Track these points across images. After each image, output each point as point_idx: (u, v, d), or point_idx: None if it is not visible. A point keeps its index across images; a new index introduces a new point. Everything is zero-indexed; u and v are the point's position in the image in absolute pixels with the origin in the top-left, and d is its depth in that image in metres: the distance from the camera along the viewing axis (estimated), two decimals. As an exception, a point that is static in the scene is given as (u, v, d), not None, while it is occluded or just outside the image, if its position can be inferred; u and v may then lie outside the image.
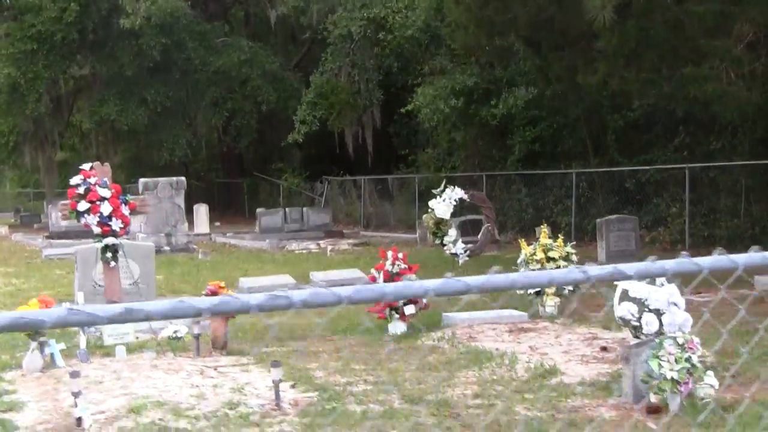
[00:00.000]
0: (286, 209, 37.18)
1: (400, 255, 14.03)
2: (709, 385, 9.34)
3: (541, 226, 15.23)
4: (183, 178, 28.58)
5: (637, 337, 11.17)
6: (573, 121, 30.68)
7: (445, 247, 16.28)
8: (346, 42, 36.45)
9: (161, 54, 40.93)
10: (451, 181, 36.12)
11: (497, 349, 12.09)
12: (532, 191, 31.69)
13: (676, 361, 8.97)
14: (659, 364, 9.00)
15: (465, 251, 16.57)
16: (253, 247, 30.43)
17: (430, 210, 16.78)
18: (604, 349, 12.19)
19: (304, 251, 28.91)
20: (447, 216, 16.33)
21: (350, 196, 43.55)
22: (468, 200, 17.45)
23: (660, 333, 11.13)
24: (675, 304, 11.28)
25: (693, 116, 24.07)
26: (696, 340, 9.32)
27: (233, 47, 43.35)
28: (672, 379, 8.90)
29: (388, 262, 13.72)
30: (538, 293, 14.82)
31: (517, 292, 14.80)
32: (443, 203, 16.35)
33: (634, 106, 26.60)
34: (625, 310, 11.18)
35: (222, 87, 44.33)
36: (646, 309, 11.10)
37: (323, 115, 36.98)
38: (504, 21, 20.96)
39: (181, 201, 27.74)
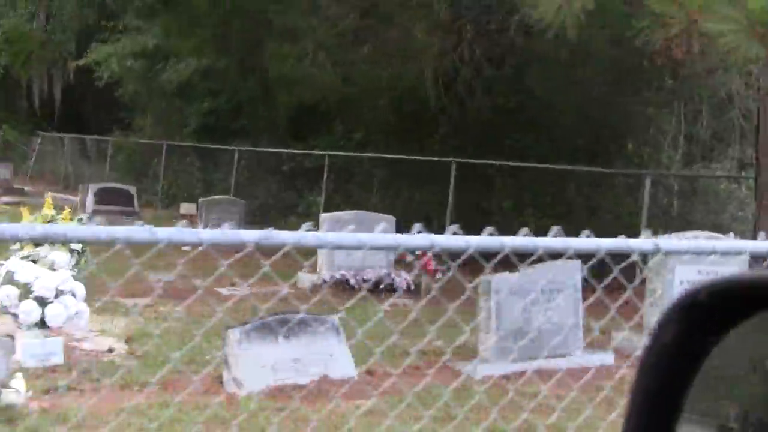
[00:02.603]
0: (-40, 160, 34.79)
1: None
2: (15, 390, 7.91)
3: (47, 195, 13.56)
4: None
5: (19, 327, 9.69)
6: (254, 98, 29.21)
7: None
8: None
9: None
10: (136, 149, 34.55)
11: None
12: (205, 165, 30.21)
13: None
14: None
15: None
16: None
17: None
18: None
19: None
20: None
21: (56, 154, 41.23)
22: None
23: (42, 325, 9.68)
24: (72, 294, 9.84)
25: (352, 105, 23.02)
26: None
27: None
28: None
29: None
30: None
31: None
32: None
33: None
34: (3, 294, 9.66)
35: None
36: (30, 296, 9.62)
37: (9, 62, 34.45)
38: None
39: None
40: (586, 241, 4.12)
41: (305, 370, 8.82)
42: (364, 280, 14.92)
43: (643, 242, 4.43)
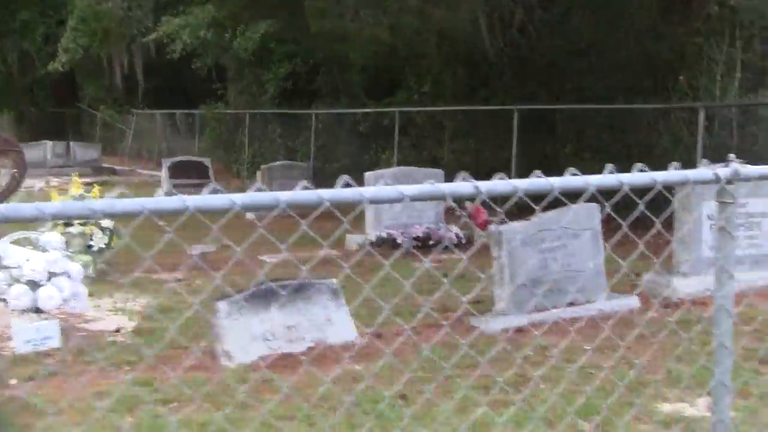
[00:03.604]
0: (51, 143, 35.26)
1: None
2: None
3: (72, 176, 13.44)
4: None
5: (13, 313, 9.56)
6: (328, 59, 28.89)
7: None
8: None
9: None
10: (222, 121, 34.53)
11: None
12: (286, 131, 30.00)
13: None
14: None
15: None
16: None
17: None
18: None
19: (24, 189, 26.85)
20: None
21: (150, 131, 41.61)
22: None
23: (37, 309, 9.52)
24: (67, 275, 9.69)
25: (421, 60, 22.59)
26: None
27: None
28: None
29: None
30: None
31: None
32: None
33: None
34: (-7, 280, 9.53)
35: (34, 10, 41.61)
36: (20, 280, 9.48)
37: (87, 43, 34.65)
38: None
39: None
40: (640, 176, 3.73)
41: (300, 337, 8.50)
42: (413, 237, 14.56)
43: (700, 172, 4.00)
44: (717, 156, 14.01)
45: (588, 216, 9.69)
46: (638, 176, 3.70)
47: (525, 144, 18.42)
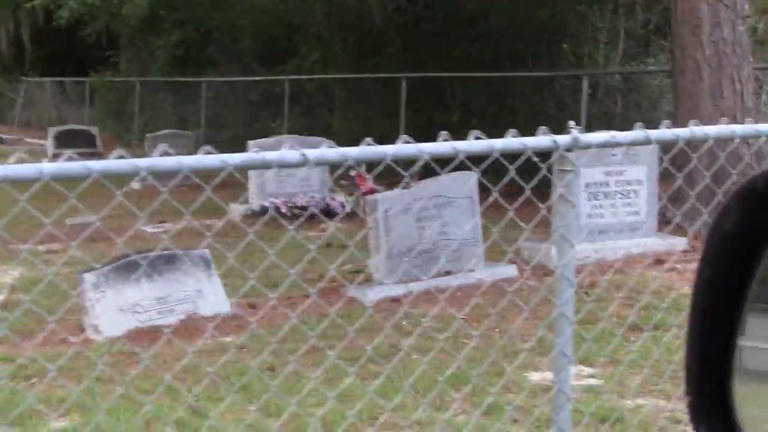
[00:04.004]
0: None
1: None
2: None
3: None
4: None
5: None
6: (220, 26, 28.45)
7: None
8: None
9: None
10: (112, 89, 33.89)
11: None
12: (177, 99, 29.54)
13: None
14: None
15: None
16: None
17: None
18: None
19: None
20: None
21: (40, 99, 40.68)
22: None
23: None
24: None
25: (312, 27, 22.35)
26: None
27: None
28: None
29: None
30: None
31: None
32: None
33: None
34: None
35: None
36: None
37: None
38: None
39: None
40: (476, 144, 3.64)
41: (170, 309, 8.32)
42: (297, 207, 14.41)
43: (539, 140, 3.91)
44: (601, 123, 14.16)
45: (464, 184, 9.65)
46: (474, 144, 3.64)
47: (414, 112, 18.37)
